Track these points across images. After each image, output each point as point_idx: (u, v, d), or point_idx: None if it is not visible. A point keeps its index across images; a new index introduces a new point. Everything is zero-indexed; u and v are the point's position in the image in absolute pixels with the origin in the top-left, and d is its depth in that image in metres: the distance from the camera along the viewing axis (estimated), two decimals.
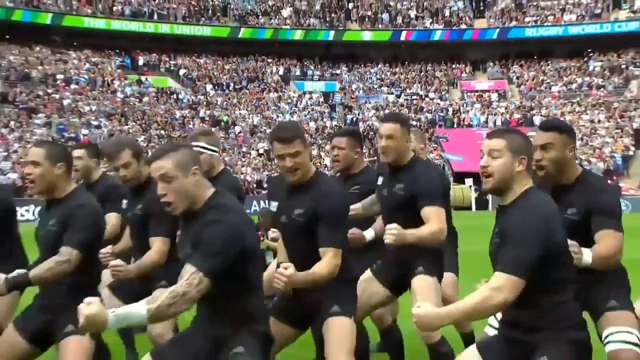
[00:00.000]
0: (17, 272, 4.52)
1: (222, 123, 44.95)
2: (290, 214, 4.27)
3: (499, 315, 3.97)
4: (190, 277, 3.53)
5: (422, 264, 4.89)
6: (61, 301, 4.39)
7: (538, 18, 51.97)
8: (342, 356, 4.29)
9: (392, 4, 54.24)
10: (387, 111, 47.02)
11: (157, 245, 4.98)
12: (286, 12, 52.92)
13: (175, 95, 47.33)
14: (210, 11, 52.13)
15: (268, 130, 44.16)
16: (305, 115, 47.25)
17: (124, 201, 5.40)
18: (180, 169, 3.58)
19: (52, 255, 4.33)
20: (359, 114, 47.84)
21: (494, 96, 49.82)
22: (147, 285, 4.92)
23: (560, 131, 4.24)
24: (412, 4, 54.42)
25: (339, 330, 4.33)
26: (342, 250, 4.21)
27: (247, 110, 47.31)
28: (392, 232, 4.55)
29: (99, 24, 48.32)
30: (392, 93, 50.84)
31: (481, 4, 54.64)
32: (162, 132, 42.19)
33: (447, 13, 53.45)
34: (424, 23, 52.93)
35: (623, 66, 49.37)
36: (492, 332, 4.41)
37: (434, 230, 4.74)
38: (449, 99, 50.27)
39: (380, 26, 52.84)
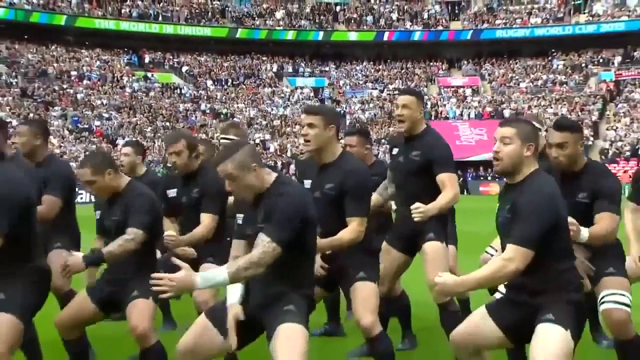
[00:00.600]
0: (90, 250, 4.68)
1: (222, 115, 45.67)
2: (322, 188, 4.39)
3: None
4: (266, 245, 3.66)
5: (432, 230, 5.00)
6: (126, 276, 4.60)
7: (507, 21, 52.48)
8: (368, 314, 4.48)
9: (375, 7, 54.64)
10: (371, 105, 49.01)
11: (207, 221, 5.10)
12: (279, 14, 53.10)
13: (178, 90, 48.19)
14: (210, 13, 52.33)
15: (264, 122, 45.97)
16: (297, 109, 47.44)
17: (173, 190, 5.38)
18: (241, 169, 3.72)
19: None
20: (346, 108, 48.38)
21: (468, 91, 50.41)
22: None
23: (572, 130, 4.41)
24: (393, 7, 54.63)
25: (365, 292, 4.51)
26: (365, 219, 4.38)
27: (244, 103, 48.19)
28: (419, 212, 4.69)
29: (109, 25, 49.06)
30: (375, 88, 51.32)
31: (456, 8, 54.86)
32: (167, 123, 43.44)
33: (425, 16, 53.75)
34: (405, 25, 53.41)
35: (583, 65, 50.62)
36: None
37: (450, 197, 4.91)
38: (427, 93, 49.81)
39: (365, 27, 53.20)
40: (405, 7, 54.66)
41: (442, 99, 50.09)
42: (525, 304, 3.67)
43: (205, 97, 48.41)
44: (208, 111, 46.58)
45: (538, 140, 3.76)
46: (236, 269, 3.57)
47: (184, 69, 50.82)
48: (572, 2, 52.36)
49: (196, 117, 45.38)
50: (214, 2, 53.87)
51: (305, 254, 3.88)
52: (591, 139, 41.57)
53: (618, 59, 50.09)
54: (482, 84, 51.48)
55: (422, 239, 4.94)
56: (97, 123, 42.10)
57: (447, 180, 4.91)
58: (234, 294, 3.87)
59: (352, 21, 53.71)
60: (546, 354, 3.46)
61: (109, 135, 41.33)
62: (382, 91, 51.02)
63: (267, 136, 44.15)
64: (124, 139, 40.22)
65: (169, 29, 50.66)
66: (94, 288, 4.69)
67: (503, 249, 3.65)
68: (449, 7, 54.90)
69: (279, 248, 3.59)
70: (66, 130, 40.26)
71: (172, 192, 5.32)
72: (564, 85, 49.10)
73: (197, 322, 4.11)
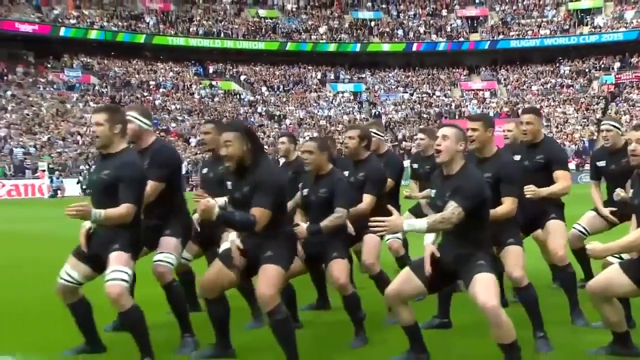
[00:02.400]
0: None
1: (275, 117, 47.23)
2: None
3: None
4: (454, 209, 3.94)
5: (554, 212, 5.29)
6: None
7: (520, 32, 52.47)
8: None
9: (405, 22, 54.93)
10: (402, 106, 49.63)
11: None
12: (322, 29, 53.93)
13: (238, 96, 49.60)
14: (263, 30, 53.32)
15: (312, 122, 47.06)
16: (340, 110, 48.94)
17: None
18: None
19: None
20: (381, 109, 49.17)
21: (487, 94, 50.75)
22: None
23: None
24: (420, 22, 54.84)
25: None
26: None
27: (294, 106, 49.28)
28: (531, 190, 4.98)
29: (180, 41, 50.83)
30: (406, 92, 51.65)
31: (475, 22, 54.64)
32: None
33: (448, 29, 53.99)
34: (431, 37, 53.61)
35: (587, 70, 50.69)
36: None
37: (563, 187, 5.19)
38: (451, 96, 50.84)
39: (396, 40, 53.63)
40: (431, 22, 54.67)
41: (464, 101, 50.15)
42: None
43: (261, 101, 49.57)
44: (264, 113, 47.92)
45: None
46: (433, 221, 3.96)
47: (242, 77, 51.93)
48: (577, 16, 52.29)
49: (254, 118, 46.67)
50: (267, 20, 54.63)
51: (484, 220, 4.17)
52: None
53: (617, 64, 50.14)
54: (499, 87, 51.63)
55: (546, 218, 5.27)
56: (173, 125, 43.86)
57: (561, 176, 5.22)
58: (429, 237, 4.26)
59: (385, 34, 54.12)
60: None
61: (184, 135, 43.24)
62: (411, 95, 51.46)
63: (315, 134, 45.34)
64: (195, 137, 42.89)
65: (229, 44, 51.92)
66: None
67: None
68: (469, 21, 54.70)
69: (463, 213, 3.94)
70: None
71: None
72: (571, 88, 49.33)
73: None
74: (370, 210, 5.23)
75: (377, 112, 48.57)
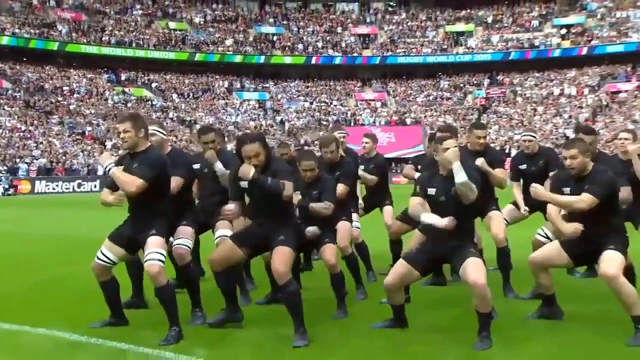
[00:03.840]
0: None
1: (186, 122, 46.57)
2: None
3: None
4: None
5: (493, 204, 6.18)
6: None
7: (406, 50, 53.59)
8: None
9: (304, 37, 55.27)
10: (303, 114, 50.24)
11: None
12: (229, 42, 53.68)
13: (150, 102, 48.65)
14: (173, 40, 52.69)
15: (221, 127, 46.28)
16: (246, 117, 48.83)
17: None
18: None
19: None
20: (284, 116, 49.51)
21: (378, 104, 51.52)
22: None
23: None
24: (318, 37, 55.29)
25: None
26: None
27: (203, 113, 48.61)
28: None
29: (92, 49, 49.18)
30: (307, 101, 52.06)
31: (367, 39, 55.33)
32: None
33: (343, 45, 54.80)
34: (328, 51, 54.27)
35: (462, 85, 52.42)
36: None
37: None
38: (347, 105, 51.65)
39: (297, 53, 53.82)
40: (328, 38, 55.24)
41: (358, 110, 50.98)
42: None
43: (172, 107, 48.84)
44: (175, 119, 47.20)
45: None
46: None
47: (154, 85, 51.04)
48: (453, 37, 54.03)
49: (167, 123, 45.34)
50: (176, 32, 53.92)
51: (471, 217, 4.72)
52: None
53: (487, 81, 52.20)
54: (388, 98, 52.42)
55: (488, 210, 6.00)
56: (89, 128, 42.44)
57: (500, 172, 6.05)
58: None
59: (287, 48, 54.35)
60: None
61: (100, 138, 42.10)
62: (311, 103, 51.82)
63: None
64: (111, 140, 41.89)
65: (140, 53, 50.90)
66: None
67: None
68: (362, 39, 55.43)
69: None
70: (65, 135, 41.22)
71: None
72: (449, 100, 50.83)
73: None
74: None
75: (280, 119, 48.94)
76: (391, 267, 6.82)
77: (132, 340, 4.59)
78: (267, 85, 54.63)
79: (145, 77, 51.82)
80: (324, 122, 47.37)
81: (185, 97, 51.11)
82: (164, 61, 51.95)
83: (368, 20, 57.88)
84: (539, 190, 4.70)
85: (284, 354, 4.40)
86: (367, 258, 6.85)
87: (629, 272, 5.01)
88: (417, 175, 6.19)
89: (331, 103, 52.27)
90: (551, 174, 5.97)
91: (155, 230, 4.60)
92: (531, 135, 6.58)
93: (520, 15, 54.49)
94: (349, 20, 57.79)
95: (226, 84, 53.61)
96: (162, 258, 4.60)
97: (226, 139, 6.65)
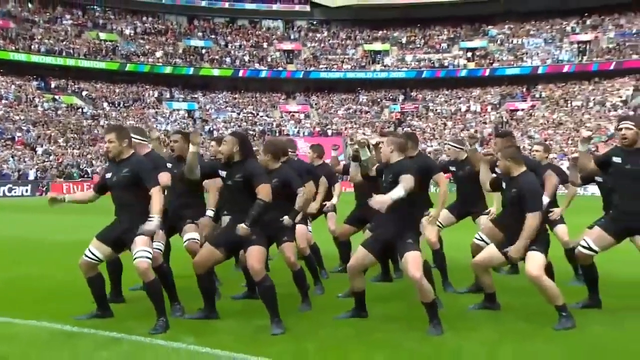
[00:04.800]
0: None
1: None
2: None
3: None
4: (408, 181, 4.58)
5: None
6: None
7: (327, 66, 54.13)
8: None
9: (232, 51, 54.97)
10: (231, 124, 49.92)
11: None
12: (159, 54, 52.87)
13: (81, 110, 47.17)
14: (104, 51, 51.33)
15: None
16: (176, 126, 47.31)
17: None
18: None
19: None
20: (213, 126, 48.79)
21: (302, 116, 51.94)
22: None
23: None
24: (245, 52, 55.09)
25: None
26: None
27: (134, 121, 46.48)
28: None
29: (21, 57, 47.32)
30: (234, 112, 51.64)
31: (291, 55, 55.30)
32: (75, 135, 42.85)
33: (269, 59, 54.69)
34: (254, 65, 53.99)
35: (379, 100, 53.37)
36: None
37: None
38: (272, 116, 51.53)
39: (225, 66, 53.46)
40: (254, 52, 55.26)
41: (283, 121, 51.10)
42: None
43: (103, 115, 47.50)
44: (106, 126, 45.75)
45: None
46: (404, 186, 4.66)
47: (84, 93, 49.58)
48: (371, 55, 54.93)
49: (98, 130, 44.69)
50: (107, 43, 52.56)
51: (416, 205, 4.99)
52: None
53: (402, 96, 53.46)
54: (311, 110, 52.81)
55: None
56: (19, 134, 40.80)
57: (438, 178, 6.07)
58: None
59: (215, 61, 53.95)
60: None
61: (30, 144, 40.64)
62: (239, 114, 51.59)
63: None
64: (42, 146, 40.39)
65: (70, 62, 49.29)
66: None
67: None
68: (286, 54, 55.63)
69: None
70: None
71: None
72: (368, 114, 51.67)
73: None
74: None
75: (209, 128, 48.36)
76: (340, 266, 7.26)
77: (122, 331, 4.71)
78: (195, 95, 53.86)
79: (76, 86, 50.18)
80: (251, 132, 47.27)
81: (116, 105, 49.90)
82: (94, 70, 50.52)
83: (292, 37, 58.18)
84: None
85: (264, 340, 4.65)
86: (320, 258, 7.16)
87: (548, 268, 5.49)
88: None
89: (257, 114, 52.17)
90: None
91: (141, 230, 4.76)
92: (457, 146, 7.02)
93: (431, 38, 56.23)
94: (274, 36, 57.97)
95: (156, 93, 52.52)
96: (150, 255, 4.79)
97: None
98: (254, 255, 4.73)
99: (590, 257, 5.51)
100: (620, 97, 47.21)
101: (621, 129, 5.15)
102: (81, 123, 45.53)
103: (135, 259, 4.73)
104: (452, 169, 6.99)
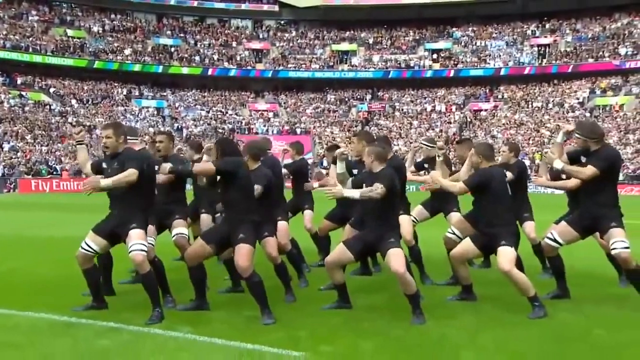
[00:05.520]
0: None
1: (86, 127, 43.59)
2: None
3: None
4: (379, 189, 4.77)
5: (402, 209, 6.37)
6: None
7: (296, 65, 53.89)
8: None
9: (201, 50, 54.57)
10: (200, 122, 49.58)
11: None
12: (127, 51, 52.12)
13: (48, 106, 46.21)
14: (71, 47, 50.36)
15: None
16: (145, 123, 47.25)
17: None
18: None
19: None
20: (182, 124, 48.51)
21: (271, 114, 51.71)
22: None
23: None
24: (214, 50, 54.72)
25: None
26: None
27: (103, 118, 46.21)
28: None
29: None
30: (203, 110, 51.18)
31: (260, 54, 55.07)
32: (43, 132, 42.08)
33: (238, 58, 54.28)
34: (223, 64, 53.49)
35: (347, 99, 53.50)
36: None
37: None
38: (241, 115, 51.29)
39: (194, 64, 52.88)
40: (223, 51, 54.98)
41: (252, 120, 51.06)
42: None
43: (71, 112, 46.69)
44: (75, 123, 44.50)
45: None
46: (362, 193, 4.93)
47: (52, 90, 48.55)
48: (339, 55, 55.06)
49: (66, 127, 43.90)
50: (74, 40, 51.57)
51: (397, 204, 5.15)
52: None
53: (369, 96, 53.76)
54: (280, 109, 52.69)
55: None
56: None
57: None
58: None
59: (184, 59, 53.40)
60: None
61: None
62: (208, 112, 51.30)
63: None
64: (9, 143, 39.55)
65: (37, 58, 48.27)
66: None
67: None
68: (255, 53, 55.45)
69: (385, 192, 4.89)
70: None
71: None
72: (336, 113, 51.87)
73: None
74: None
75: (178, 126, 47.94)
76: (320, 260, 7.44)
77: (119, 321, 4.82)
78: (165, 93, 53.17)
79: (43, 82, 49.13)
80: (220, 130, 47.19)
81: (85, 102, 49.06)
82: (62, 67, 49.51)
83: (261, 36, 57.99)
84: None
85: (257, 329, 4.81)
86: (300, 253, 7.32)
87: (518, 262, 5.72)
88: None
89: (226, 112, 51.74)
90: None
91: (135, 224, 4.89)
92: (427, 145, 7.31)
93: (397, 39, 56.71)
94: (243, 36, 57.68)
95: (125, 91, 51.72)
96: (145, 248, 4.92)
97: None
98: (243, 253, 4.85)
99: (555, 249, 5.81)
100: (578, 99, 48.52)
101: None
102: (49, 120, 44.67)
103: (131, 251, 4.84)
104: (426, 166, 7.27)
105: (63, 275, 6.69)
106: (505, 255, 5.13)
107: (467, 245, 5.47)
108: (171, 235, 6.18)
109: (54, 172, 37.11)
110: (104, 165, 5.16)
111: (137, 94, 52.49)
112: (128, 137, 5.62)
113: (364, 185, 5.17)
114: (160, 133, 6.43)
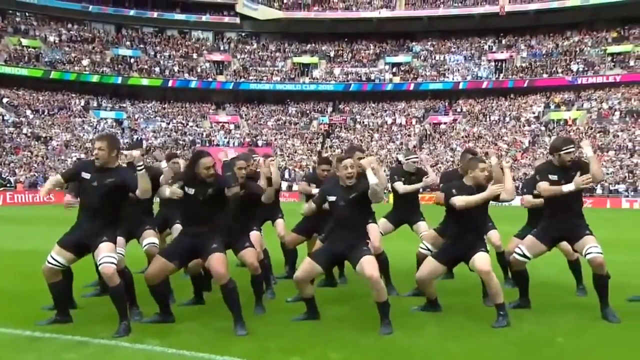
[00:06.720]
0: None
1: (42, 138, 43.89)
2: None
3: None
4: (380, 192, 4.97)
5: (370, 218, 6.48)
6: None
7: (257, 77, 53.63)
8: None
9: (161, 61, 54.04)
10: (161, 134, 48.83)
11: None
12: (85, 62, 51.18)
13: (1, 117, 44.89)
14: (26, 57, 49.23)
15: (78, 144, 44.44)
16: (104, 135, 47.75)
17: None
18: None
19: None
20: (142, 135, 47.68)
21: (232, 126, 51.25)
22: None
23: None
24: (175, 62, 54.12)
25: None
26: None
27: (60, 129, 45.86)
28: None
29: None
30: (164, 121, 50.66)
31: (221, 66, 54.88)
32: None
33: (199, 70, 53.87)
34: (184, 75, 52.99)
35: (308, 111, 53.43)
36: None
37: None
38: (202, 127, 50.74)
39: (154, 76, 52.07)
40: (184, 63, 54.53)
41: (213, 132, 50.57)
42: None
43: (26, 123, 45.55)
44: (30, 135, 44.16)
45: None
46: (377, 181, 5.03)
47: (5, 100, 47.14)
48: (300, 68, 55.07)
49: (20, 139, 43.10)
50: (29, 49, 50.39)
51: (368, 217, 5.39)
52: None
53: (330, 109, 53.89)
54: (241, 121, 52.36)
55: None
56: None
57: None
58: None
59: (144, 70, 52.80)
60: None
61: None
62: (168, 124, 50.89)
63: (82, 155, 43.06)
64: None
65: None
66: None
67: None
68: (216, 65, 55.33)
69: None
70: None
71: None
72: (297, 125, 51.81)
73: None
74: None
75: (138, 138, 46.98)
76: (286, 272, 7.46)
77: (85, 335, 4.74)
78: (124, 105, 52.14)
79: None
80: (181, 142, 46.77)
81: (40, 113, 47.93)
82: (16, 77, 48.27)
83: (222, 48, 57.71)
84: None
85: (227, 340, 4.79)
86: (270, 264, 7.30)
87: None
88: (313, 190, 6.71)
89: (187, 124, 51.00)
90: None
91: (106, 237, 4.86)
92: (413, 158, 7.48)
93: (358, 52, 57.23)
94: (204, 47, 57.28)
95: (83, 102, 50.97)
96: (115, 261, 4.87)
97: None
98: (218, 260, 4.87)
99: (523, 264, 5.99)
100: (533, 112, 49.84)
101: (568, 152, 5.77)
102: (2, 131, 43.51)
103: (101, 264, 4.78)
104: (414, 178, 7.43)
105: (25, 289, 6.54)
106: (484, 258, 5.30)
107: (432, 266, 5.57)
108: (142, 246, 6.13)
109: (8, 185, 36.07)
110: (85, 175, 5.01)
111: (95, 105, 51.61)
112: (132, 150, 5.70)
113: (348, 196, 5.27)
114: (100, 138, 6.28)
